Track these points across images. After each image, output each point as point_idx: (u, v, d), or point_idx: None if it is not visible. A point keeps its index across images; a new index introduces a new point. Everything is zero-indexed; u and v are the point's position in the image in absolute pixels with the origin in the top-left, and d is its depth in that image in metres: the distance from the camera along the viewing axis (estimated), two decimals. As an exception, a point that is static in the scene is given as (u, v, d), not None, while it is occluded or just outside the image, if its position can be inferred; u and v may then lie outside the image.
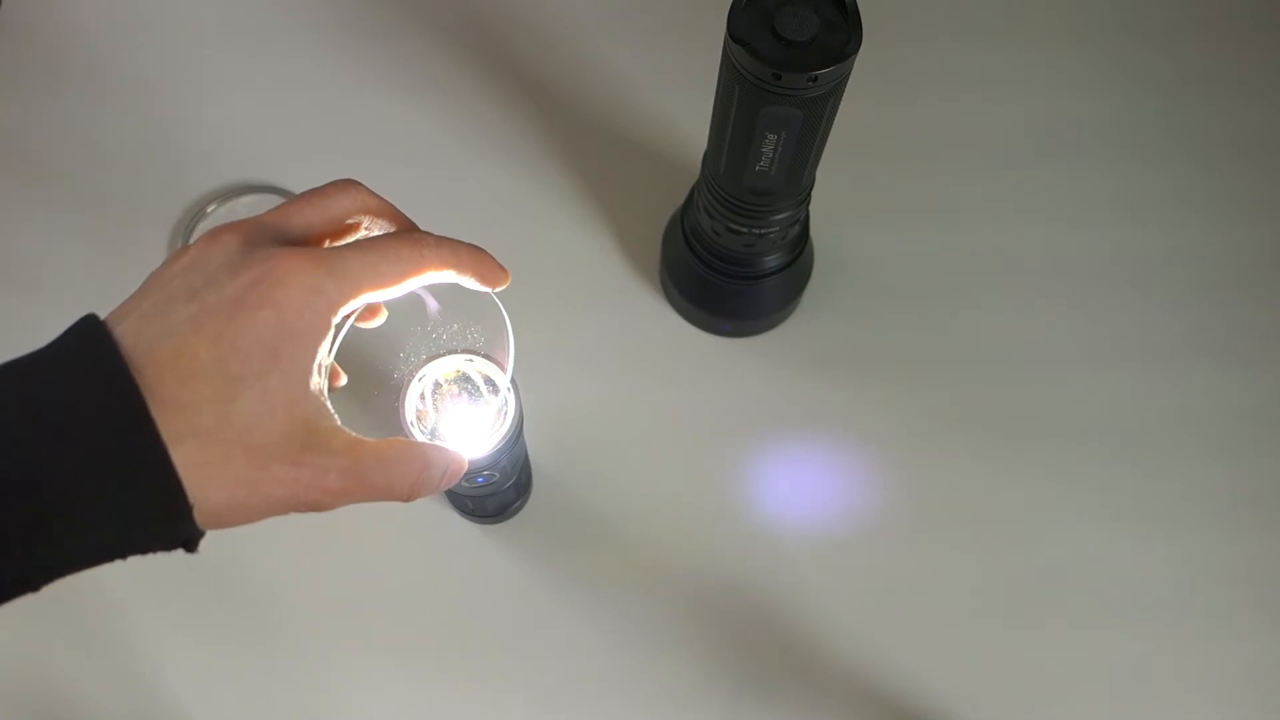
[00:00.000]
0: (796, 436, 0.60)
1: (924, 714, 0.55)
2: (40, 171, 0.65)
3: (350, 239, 0.36)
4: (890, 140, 0.68)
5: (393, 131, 0.67)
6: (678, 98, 0.68)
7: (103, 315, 0.31)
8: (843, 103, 0.46)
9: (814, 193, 0.53)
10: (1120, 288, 0.64)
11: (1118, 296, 0.64)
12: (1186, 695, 0.56)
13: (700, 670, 0.55)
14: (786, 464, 0.60)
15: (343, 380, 0.39)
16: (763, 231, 0.53)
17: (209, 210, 0.64)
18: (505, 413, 0.46)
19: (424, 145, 0.67)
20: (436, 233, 0.37)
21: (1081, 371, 0.62)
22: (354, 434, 0.33)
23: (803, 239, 0.58)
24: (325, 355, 0.32)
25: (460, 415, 0.46)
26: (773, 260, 0.57)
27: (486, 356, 0.46)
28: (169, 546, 0.30)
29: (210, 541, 0.31)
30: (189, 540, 0.30)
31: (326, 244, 0.35)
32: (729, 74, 0.44)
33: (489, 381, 0.46)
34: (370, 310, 0.39)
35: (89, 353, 0.29)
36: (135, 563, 0.30)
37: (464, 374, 0.46)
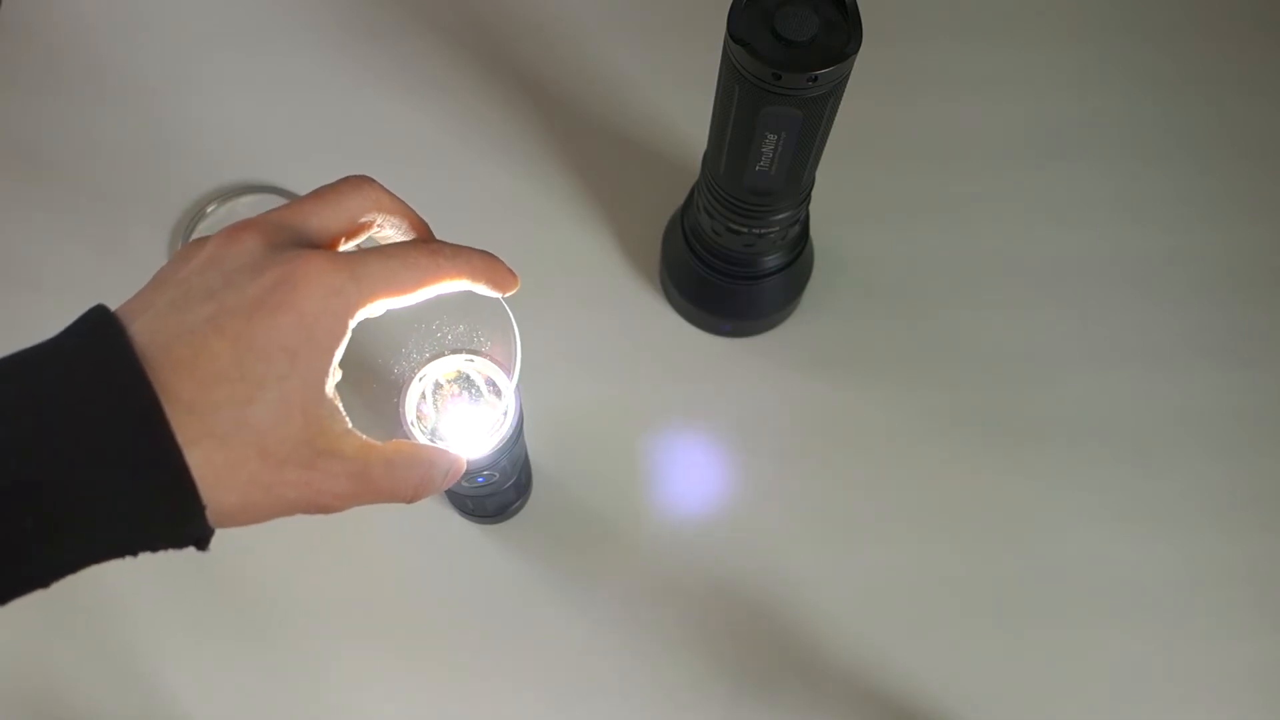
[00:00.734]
0: (796, 436, 0.60)
1: (924, 714, 0.55)
2: (40, 171, 0.65)
3: (364, 237, 0.36)
4: (890, 140, 0.68)
5: (393, 131, 0.67)
6: (678, 98, 0.68)
7: (104, 304, 0.31)
8: (843, 103, 0.46)
9: (814, 193, 0.53)
10: (1120, 288, 0.64)
11: (1118, 296, 0.64)
12: (1186, 695, 0.56)
13: (700, 670, 0.55)
14: (786, 464, 0.60)
15: (336, 376, 0.39)
16: (763, 231, 0.53)
17: (209, 210, 0.64)
18: (506, 414, 0.46)
19: (424, 145, 0.67)
20: (439, 234, 0.37)
21: (1081, 371, 0.62)
22: (364, 437, 0.33)
23: (803, 239, 0.58)
24: (338, 357, 0.33)
25: (460, 415, 0.46)
26: (773, 260, 0.57)
27: (488, 357, 0.46)
28: (180, 545, 0.30)
29: (211, 540, 0.31)
30: (200, 539, 0.30)
31: (342, 242, 0.35)
32: (729, 74, 0.44)
33: (489, 382, 0.46)
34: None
35: (103, 349, 0.29)
36: (136, 561, 0.30)
37: (464, 374, 0.46)
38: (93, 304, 0.31)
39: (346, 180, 0.35)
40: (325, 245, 0.34)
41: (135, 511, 0.28)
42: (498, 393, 0.46)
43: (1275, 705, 0.56)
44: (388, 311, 0.39)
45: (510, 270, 0.37)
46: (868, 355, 0.62)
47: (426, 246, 0.34)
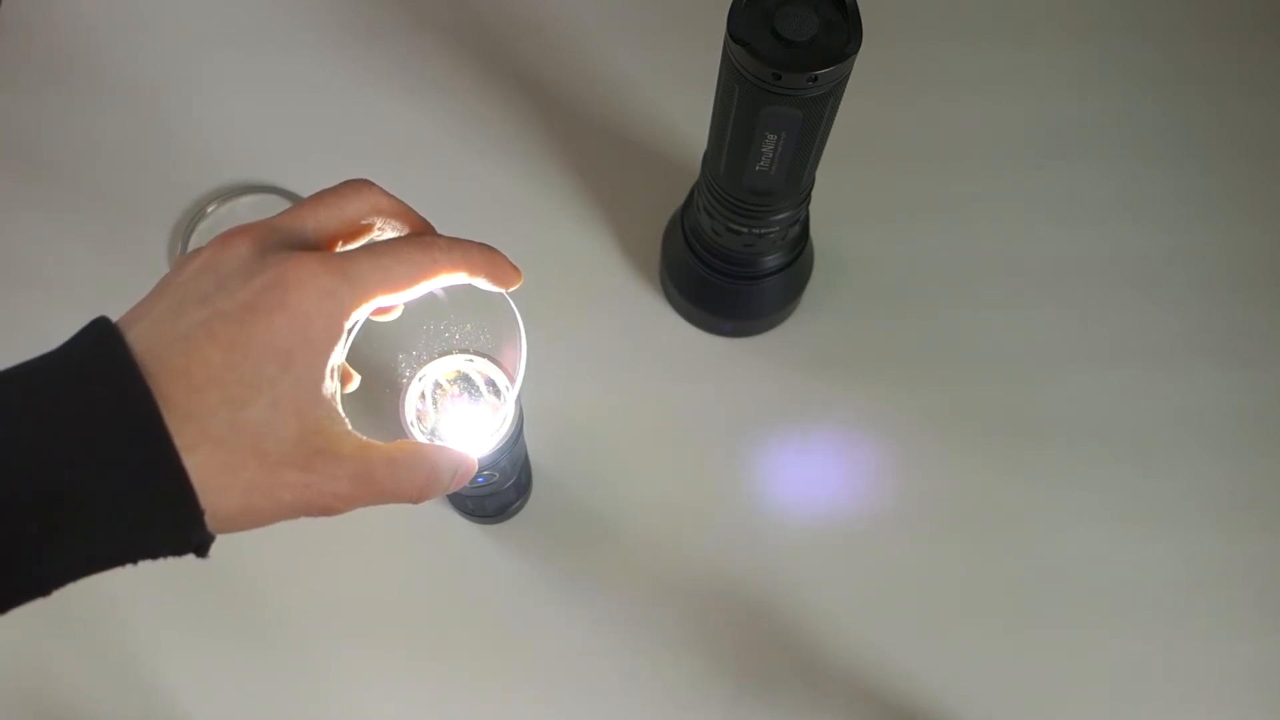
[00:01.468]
0: (796, 436, 0.60)
1: (924, 714, 0.55)
2: (40, 171, 0.65)
3: (364, 240, 0.35)
4: (890, 140, 0.68)
5: (393, 131, 0.67)
6: (678, 98, 0.68)
7: (107, 315, 0.31)
8: (843, 103, 0.46)
9: (814, 193, 0.53)
10: (1120, 288, 0.64)
11: (1118, 296, 0.64)
12: (1186, 695, 0.56)
13: (700, 670, 0.55)
14: (786, 464, 0.60)
15: (355, 382, 0.39)
16: (763, 231, 0.53)
17: (209, 210, 0.64)
18: (506, 415, 0.46)
19: (424, 145, 0.67)
20: (430, 223, 0.36)
21: (1081, 371, 0.62)
22: (364, 438, 0.33)
23: (803, 239, 0.58)
24: (338, 358, 0.32)
25: (460, 415, 0.46)
26: (773, 260, 0.57)
27: (489, 357, 0.46)
28: (180, 552, 0.30)
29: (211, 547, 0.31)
30: (200, 546, 0.30)
31: (340, 245, 0.35)
32: (729, 74, 0.44)
33: (489, 382, 0.46)
34: (384, 306, 0.39)
35: (103, 358, 0.29)
36: (139, 564, 0.30)
37: (464, 374, 0.46)
38: (92, 303, 0.31)
39: (346, 183, 0.35)
40: (321, 247, 0.33)
41: (135, 519, 0.28)
42: (498, 393, 0.46)
43: (1275, 705, 0.56)
44: (402, 312, 0.39)
45: (512, 264, 0.37)
46: (868, 355, 0.62)
47: (419, 241, 0.34)
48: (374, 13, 0.70)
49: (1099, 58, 0.71)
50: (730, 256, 0.56)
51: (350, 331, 0.33)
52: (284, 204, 0.64)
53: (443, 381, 0.46)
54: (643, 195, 0.65)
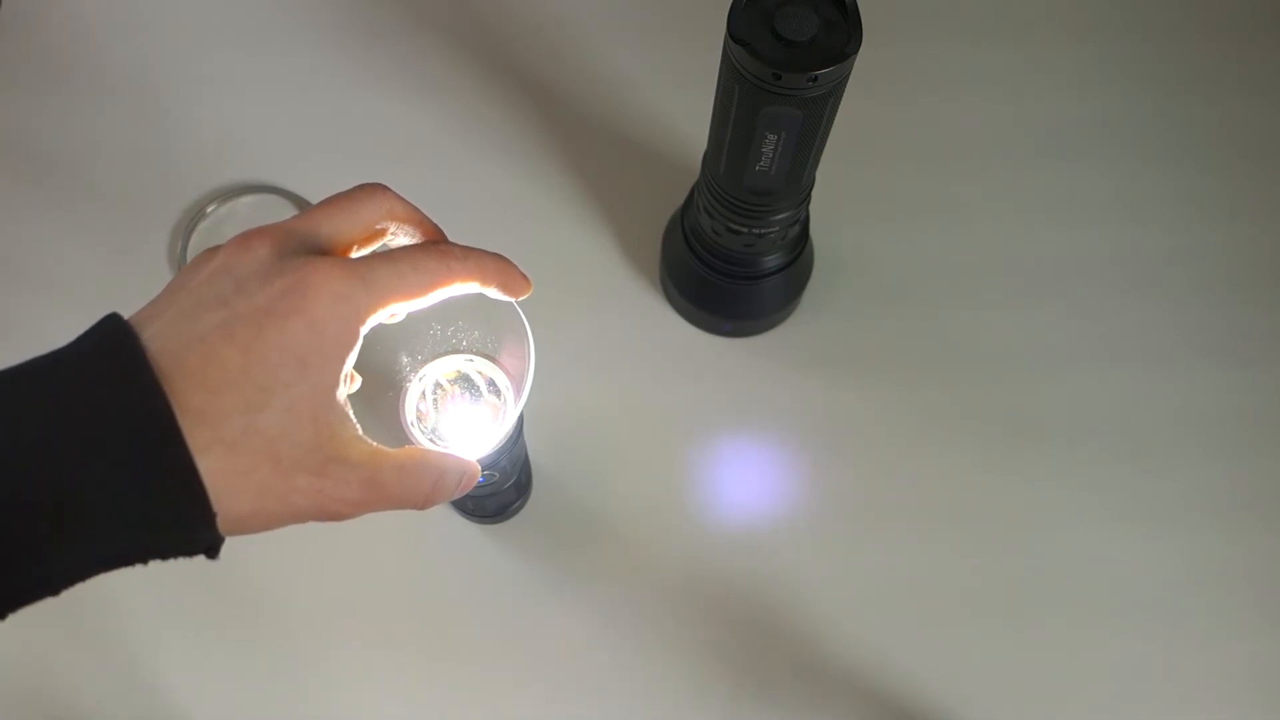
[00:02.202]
0: (796, 436, 0.60)
1: (924, 714, 0.55)
2: (40, 171, 0.65)
3: (377, 245, 0.36)
4: (890, 140, 0.68)
5: (393, 132, 0.67)
6: (678, 98, 0.68)
7: (118, 313, 0.31)
8: (843, 103, 0.46)
9: (814, 193, 0.53)
10: (1120, 288, 0.64)
11: (1118, 296, 0.64)
12: (1186, 695, 0.56)
13: (700, 670, 0.55)
14: (787, 464, 0.60)
15: (356, 384, 0.39)
16: (763, 231, 0.53)
17: (209, 210, 0.64)
18: (506, 415, 0.46)
19: (424, 145, 0.67)
20: (442, 228, 0.37)
21: (1081, 371, 0.62)
22: (374, 444, 0.33)
23: (803, 239, 0.58)
24: (351, 364, 0.32)
25: (461, 416, 0.46)
26: (773, 260, 0.57)
27: (490, 357, 0.46)
28: (191, 553, 0.30)
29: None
30: (211, 547, 0.30)
31: (355, 250, 0.35)
32: (729, 74, 0.44)
33: (490, 382, 0.46)
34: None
35: (116, 357, 0.29)
36: (148, 564, 0.30)
37: (464, 374, 0.46)
38: (92, 303, 0.31)
39: (360, 188, 0.35)
40: (337, 252, 0.34)
41: (146, 519, 0.28)
42: (498, 392, 0.46)
43: (1275, 705, 0.56)
44: (407, 315, 0.39)
45: (523, 274, 0.37)
46: (868, 355, 0.62)
47: (436, 249, 0.34)
48: (374, 13, 0.70)
49: (1099, 58, 0.71)
50: (730, 256, 0.56)
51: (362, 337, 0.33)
52: (284, 204, 0.64)
53: (443, 381, 0.46)
54: (643, 195, 0.65)
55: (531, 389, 0.41)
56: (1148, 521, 0.59)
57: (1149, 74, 0.70)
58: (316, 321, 0.30)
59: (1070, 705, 0.56)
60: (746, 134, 0.46)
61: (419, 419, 0.45)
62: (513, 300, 0.37)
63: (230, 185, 0.65)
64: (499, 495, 0.53)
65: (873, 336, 0.63)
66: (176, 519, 0.29)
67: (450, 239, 0.37)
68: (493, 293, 0.36)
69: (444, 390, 0.46)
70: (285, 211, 0.64)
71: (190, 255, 0.63)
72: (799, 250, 0.58)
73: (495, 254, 0.36)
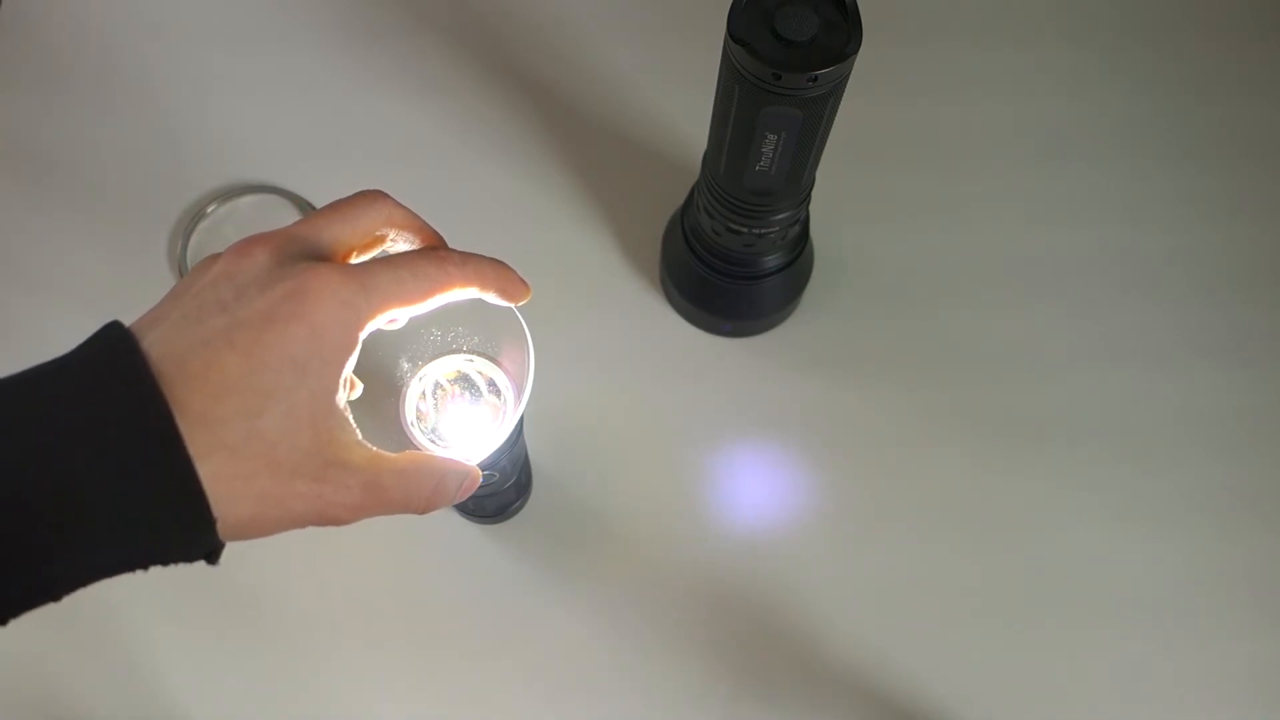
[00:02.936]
0: (796, 436, 0.60)
1: (924, 714, 0.55)
2: (40, 171, 0.65)
3: (376, 251, 0.36)
4: (890, 140, 0.68)
5: (392, 132, 0.67)
6: (678, 98, 0.68)
7: (109, 318, 0.31)
8: (843, 103, 0.46)
9: (814, 193, 0.53)
10: (1120, 288, 0.65)
11: (1118, 296, 0.64)
12: (1186, 695, 0.56)
13: (700, 670, 0.55)
14: (787, 464, 0.60)
15: (358, 389, 0.39)
16: (763, 231, 0.53)
17: (209, 210, 0.64)
18: (506, 416, 0.46)
19: (424, 145, 0.67)
20: (441, 235, 0.37)
21: (1081, 371, 0.62)
22: (374, 448, 0.33)
23: (803, 239, 0.58)
24: (350, 369, 0.33)
25: (461, 416, 0.46)
26: (773, 260, 0.57)
27: (490, 357, 0.46)
28: (191, 559, 0.30)
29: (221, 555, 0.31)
30: (211, 553, 0.30)
31: (354, 255, 0.35)
32: (729, 74, 0.44)
33: (490, 382, 0.46)
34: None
35: (117, 363, 0.29)
36: (148, 570, 0.30)
37: (464, 374, 0.46)
38: (92, 303, 0.31)
39: (360, 194, 0.35)
40: (337, 258, 0.34)
41: (147, 525, 0.28)
42: (498, 393, 0.46)
43: (1275, 705, 0.56)
44: (406, 321, 0.39)
45: (522, 279, 0.37)
46: (868, 355, 0.62)
47: (435, 255, 0.34)
48: (374, 13, 0.70)
49: (1099, 58, 0.71)
50: (730, 256, 0.56)
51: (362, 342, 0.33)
52: (284, 204, 0.64)
53: (443, 382, 0.46)
54: (643, 195, 0.65)
55: (533, 389, 0.41)
56: (1148, 521, 0.59)
57: (1149, 74, 0.70)
58: (316, 327, 0.31)
59: (1070, 705, 0.56)
60: (746, 134, 0.46)
61: (419, 419, 0.45)
62: (512, 305, 0.37)
63: (230, 185, 0.65)
64: (499, 495, 0.53)
65: (873, 336, 0.63)
66: (177, 524, 0.29)
67: (450, 240, 0.37)
68: (492, 298, 0.37)
69: (444, 390, 0.46)
70: (285, 211, 0.64)
71: (191, 255, 0.63)
72: (799, 250, 0.58)
73: (494, 259, 0.36)
